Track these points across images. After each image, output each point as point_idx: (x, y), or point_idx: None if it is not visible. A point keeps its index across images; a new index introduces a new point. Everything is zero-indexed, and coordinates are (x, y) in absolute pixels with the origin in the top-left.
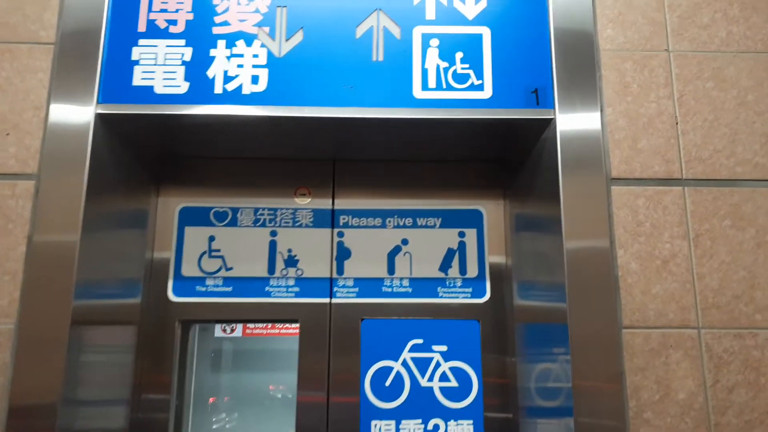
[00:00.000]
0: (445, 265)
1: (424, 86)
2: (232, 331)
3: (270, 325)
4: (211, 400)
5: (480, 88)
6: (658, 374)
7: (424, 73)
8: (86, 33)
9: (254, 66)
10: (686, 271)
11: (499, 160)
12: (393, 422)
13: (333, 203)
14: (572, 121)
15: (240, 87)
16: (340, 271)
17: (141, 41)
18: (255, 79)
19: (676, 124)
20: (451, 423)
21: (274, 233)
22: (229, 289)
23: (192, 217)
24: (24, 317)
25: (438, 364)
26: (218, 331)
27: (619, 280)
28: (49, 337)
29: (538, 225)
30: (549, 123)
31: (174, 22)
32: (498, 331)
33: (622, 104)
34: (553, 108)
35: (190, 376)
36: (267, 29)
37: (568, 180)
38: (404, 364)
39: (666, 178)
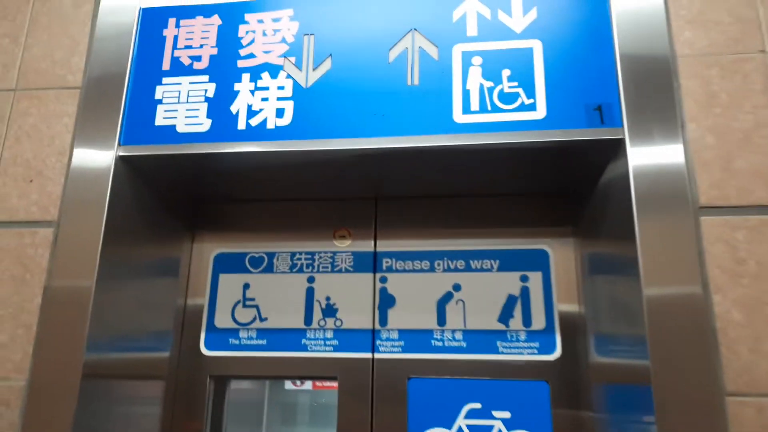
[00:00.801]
0: (505, 315)
1: (466, 109)
2: (302, 383)
3: None
4: None
5: (532, 107)
6: None
7: (466, 94)
8: (112, 75)
9: (279, 98)
10: None
11: (565, 190)
12: None
13: (375, 245)
14: (646, 141)
15: (264, 122)
16: (384, 321)
17: (165, 79)
18: (280, 113)
19: None
20: None
21: (311, 279)
22: (263, 342)
23: (227, 264)
24: (35, 372)
25: None
26: (288, 383)
27: (717, 334)
28: (60, 393)
29: (613, 267)
30: (617, 144)
31: (198, 58)
32: (571, 394)
33: (709, 118)
34: (622, 126)
35: None
36: (293, 59)
37: (644, 211)
38: None
39: None
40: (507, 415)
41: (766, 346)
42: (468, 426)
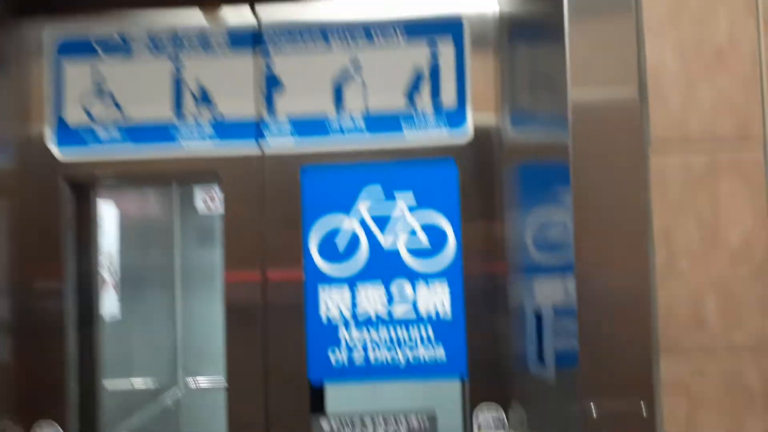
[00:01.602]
0: (411, 92)
1: None
2: (213, 204)
3: None
4: None
5: None
6: (701, 213)
7: None
8: None
9: None
10: (752, 65)
11: None
12: (346, 287)
13: (256, 17)
14: None
15: None
16: (271, 108)
17: None
18: None
19: None
20: (421, 284)
21: (178, 63)
22: (127, 139)
23: (73, 50)
24: None
25: (402, 217)
26: (200, 204)
27: (647, 85)
28: None
29: (536, 33)
30: None
31: None
32: (482, 173)
33: None
34: None
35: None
36: None
37: None
38: (361, 220)
39: None
40: (410, 196)
41: (700, 92)
42: (368, 209)
